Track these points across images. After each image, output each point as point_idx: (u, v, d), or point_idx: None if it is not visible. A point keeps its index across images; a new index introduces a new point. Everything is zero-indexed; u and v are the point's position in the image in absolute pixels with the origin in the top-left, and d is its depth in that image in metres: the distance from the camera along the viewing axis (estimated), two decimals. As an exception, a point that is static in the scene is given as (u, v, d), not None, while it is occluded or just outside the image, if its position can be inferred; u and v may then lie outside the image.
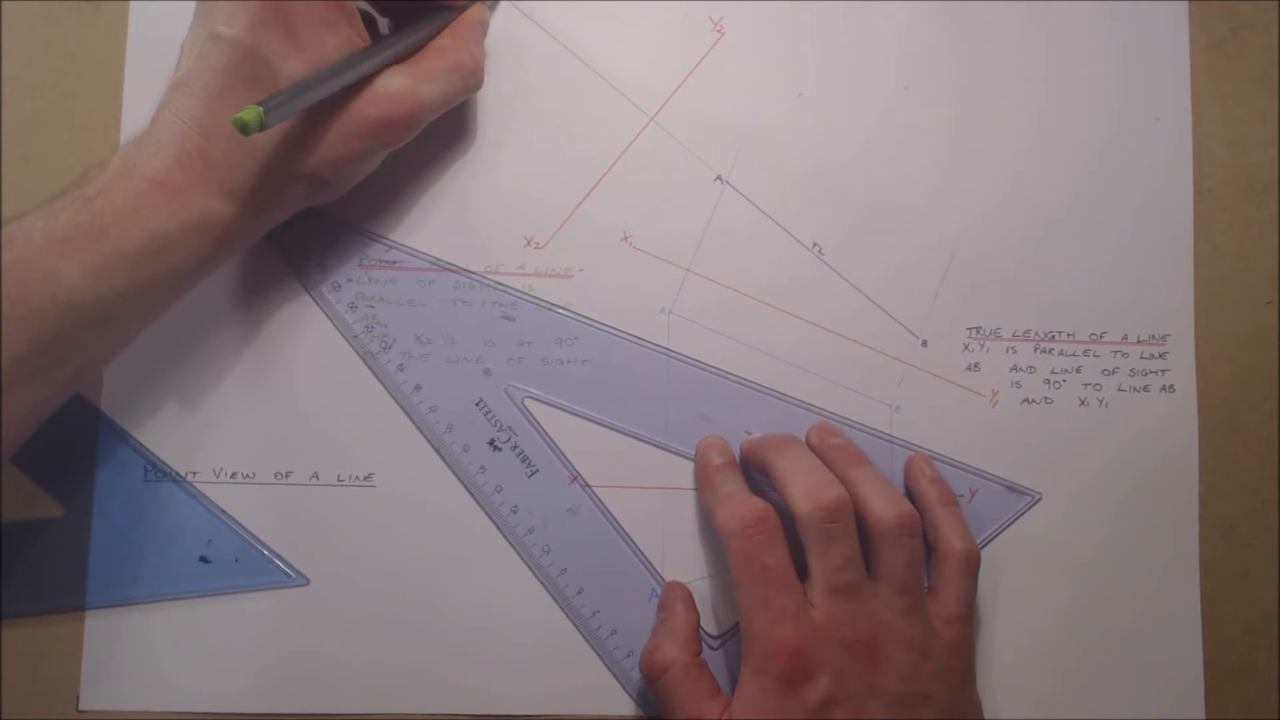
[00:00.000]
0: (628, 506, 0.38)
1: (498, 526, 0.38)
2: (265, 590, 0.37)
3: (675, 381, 0.39)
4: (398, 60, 0.34)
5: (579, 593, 0.38)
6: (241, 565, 0.37)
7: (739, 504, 0.35)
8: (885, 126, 0.41)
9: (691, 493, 0.39)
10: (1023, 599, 0.39)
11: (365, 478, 0.38)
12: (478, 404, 0.38)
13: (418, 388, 0.38)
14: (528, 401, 0.39)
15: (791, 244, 0.40)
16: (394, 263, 0.39)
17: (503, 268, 0.39)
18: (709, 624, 0.38)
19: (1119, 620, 0.39)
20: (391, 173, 0.38)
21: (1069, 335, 0.40)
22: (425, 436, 0.38)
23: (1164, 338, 0.41)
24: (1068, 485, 0.40)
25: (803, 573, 0.34)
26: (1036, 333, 0.40)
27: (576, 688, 0.37)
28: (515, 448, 0.38)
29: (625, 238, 0.39)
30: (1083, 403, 0.40)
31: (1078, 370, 0.40)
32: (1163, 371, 0.40)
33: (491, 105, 0.39)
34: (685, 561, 0.38)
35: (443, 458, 0.38)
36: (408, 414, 0.38)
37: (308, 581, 0.37)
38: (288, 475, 0.38)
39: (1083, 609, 0.39)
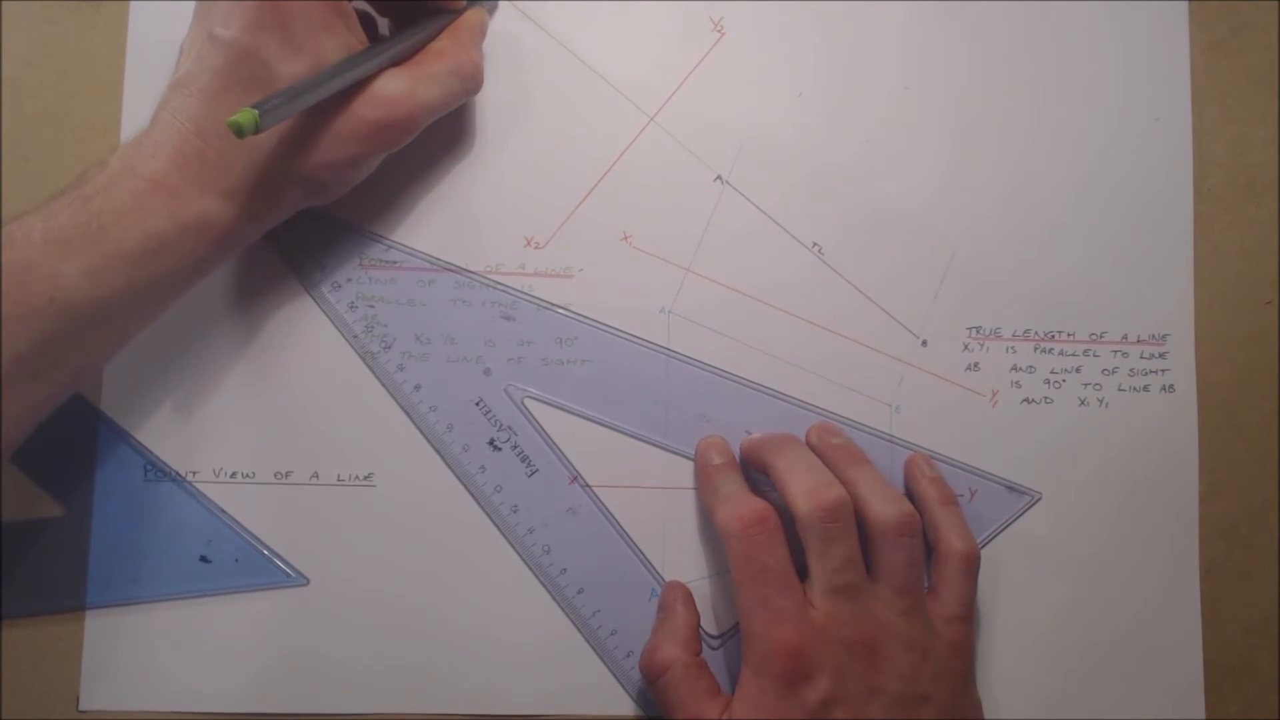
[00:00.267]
0: (628, 506, 0.38)
1: (498, 526, 0.38)
2: (265, 590, 0.37)
3: (675, 381, 0.39)
4: (396, 63, 0.34)
5: (579, 593, 0.38)
6: (241, 565, 0.37)
7: (739, 504, 0.35)
8: (885, 126, 0.41)
9: (691, 493, 0.39)
10: (1023, 599, 0.39)
11: (365, 478, 0.38)
12: (478, 404, 0.38)
13: (418, 387, 0.38)
14: (528, 401, 0.39)
15: (791, 244, 0.40)
16: (394, 263, 0.39)
17: (503, 268, 0.39)
18: (709, 624, 0.38)
19: (1119, 620, 0.39)
20: (391, 173, 0.38)
21: (1069, 335, 0.40)
22: (425, 436, 0.38)
23: (1164, 338, 0.41)
24: (1068, 485, 0.40)
25: (803, 573, 0.34)
26: (1036, 333, 0.40)
27: (576, 688, 0.38)
28: (515, 447, 0.38)
29: (625, 238, 0.39)
30: (1083, 403, 0.40)
31: (1078, 370, 0.40)
32: (1163, 371, 0.40)
33: (492, 105, 0.39)
34: (685, 561, 0.38)
35: (443, 458, 0.38)
36: (408, 414, 0.38)
37: (308, 581, 0.37)
38: (288, 475, 0.38)
39: (1083, 609, 0.39)
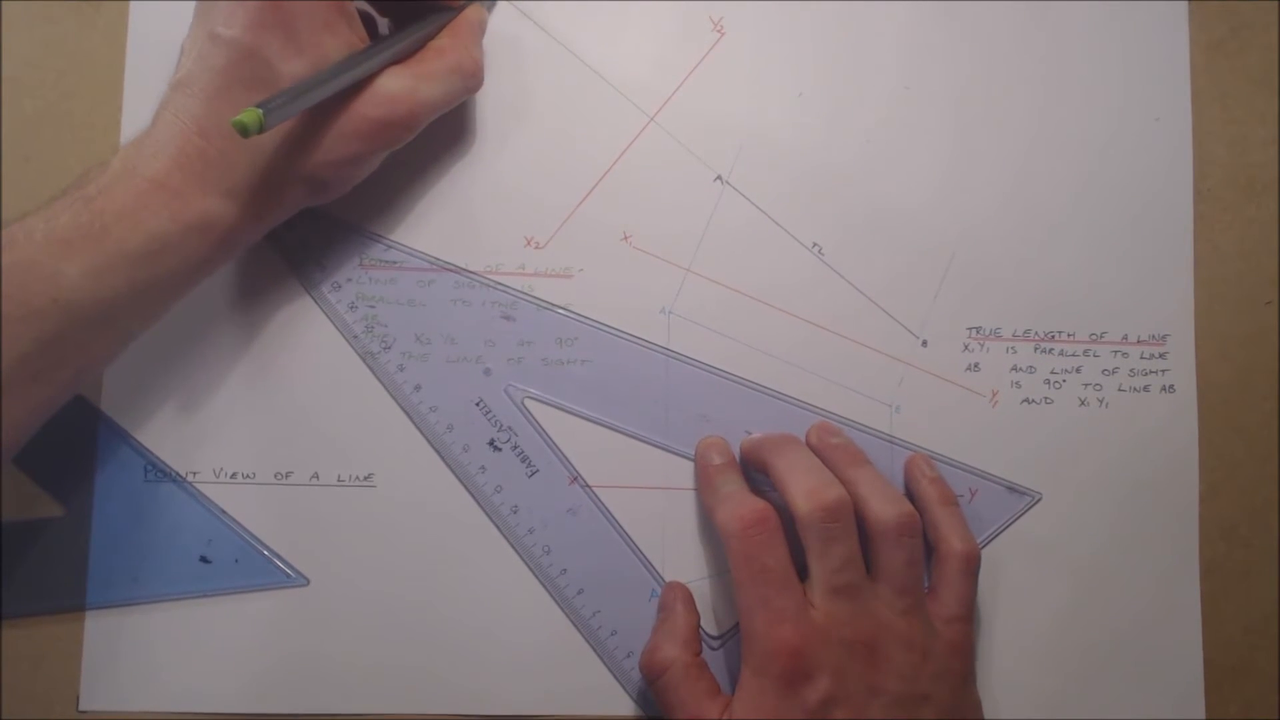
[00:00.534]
0: (628, 506, 0.38)
1: (498, 527, 0.38)
2: (265, 590, 0.37)
3: (675, 381, 0.39)
4: (397, 61, 0.34)
5: (579, 593, 0.38)
6: (241, 565, 0.37)
7: (739, 504, 0.35)
8: (885, 126, 0.41)
9: (691, 493, 0.39)
10: (1023, 599, 0.39)
11: (365, 478, 0.38)
12: (478, 404, 0.38)
13: (418, 388, 0.38)
14: (528, 401, 0.39)
15: (791, 244, 0.40)
16: (394, 263, 0.39)
17: (503, 268, 0.39)
18: (709, 624, 0.38)
19: (1119, 620, 0.39)
20: (391, 173, 0.38)
21: (1069, 335, 0.40)
22: (425, 436, 0.38)
23: (1164, 338, 0.41)
24: (1068, 485, 0.40)
25: (803, 573, 0.34)
26: (1036, 333, 0.40)
27: (576, 688, 0.38)
28: (515, 448, 0.38)
29: (625, 238, 0.39)
30: (1083, 403, 0.40)
31: (1078, 370, 0.40)
32: (1163, 371, 0.40)
33: (492, 105, 0.39)
34: (685, 561, 0.38)
35: (443, 458, 0.38)
36: (408, 414, 0.38)
37: (308, 581, 0.37)
38: (288, 475, 0.38)
39: (1083, 609, 0.39)
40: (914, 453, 0.39)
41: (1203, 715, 0.39)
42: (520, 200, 0.39)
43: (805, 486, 0.34)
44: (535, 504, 0.38)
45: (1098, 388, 0.40)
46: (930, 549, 0.37)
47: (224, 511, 0.37)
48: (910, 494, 0.38)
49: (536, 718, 0.37)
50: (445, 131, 0.39)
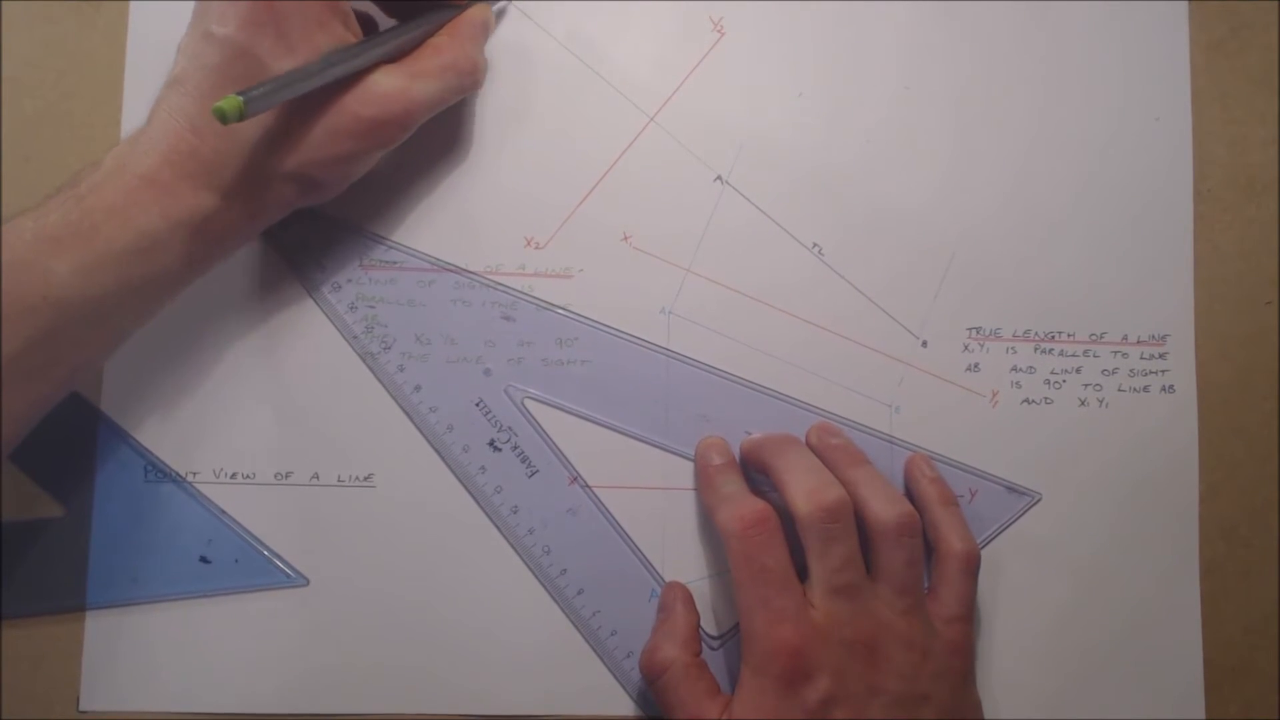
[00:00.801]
0: (628, 507, 0.38)
1: (498, 527, 0.38)
2: (265, 590, 0.37)
3: (675, 381, 0.39)
4: (391, 58, 0.34)
5: (579, 593, 0.38)
6: (241, 565, 0.37)
7: (739, 504, 0.35)
8: (885, 126, 0.41)
9: (691, 493, 0.39)
10: (1023, 599, 0.39)
11: (365, 478, 0.38)
12: (478, 404, 0.38)
13: (418, 388, 0.38)
14: (528, 402, 0.39)
15: (791, 244, 0.40)
16: (394, 263, 0.39)
17: (503, 268, 0.39)
18: (709, 624, 0.38)
19: (1119, 620, 0.39)
20: (391, 173, 0.38)
21: (1069, 335, 0.40)
22: (425, 437, 0.38)
23: (1164, 338, 0.41)
24: (1068, 485, 0.40)
25: (803, 573, 0.34)
26: (1036, 333, 0.40)
27: (576, 688, 0.38)
28: (515, 448, 0.38)
29: (625, 238, 0.39)
30: (1083, 403, 0.40)
31: (1078, 370, 0.40)
32: (1163, 372, 0.40)
33: (491, 105, 0.39)
34: (685, 561, 0.38)
35: (443, 458, 0.38)
36: (408, 414, 0.38)
37: (308, 581, 0.37)
38: (288, 475, 0.38)
39: (1083, 609, 0.39)
40: (914, 453, 0.39)
41: (1203, 715, 0.39)
42: (520, 200, 0.39)
43: (805, 487, 0.34)
44: (535, 504, 0.38)
45: (1098, 388, 0.40)
46: (930, 549, 0.37)
47: (224, 511, 0.37)
48: (910, 494, 0.38)
49: (536, 718, 0.37)
50: (445, 132, 0.39)
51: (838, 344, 0.40)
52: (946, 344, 0.40)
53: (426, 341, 0.38)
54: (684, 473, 0.39)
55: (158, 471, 0.37)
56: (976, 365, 0.40)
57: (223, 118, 0.28)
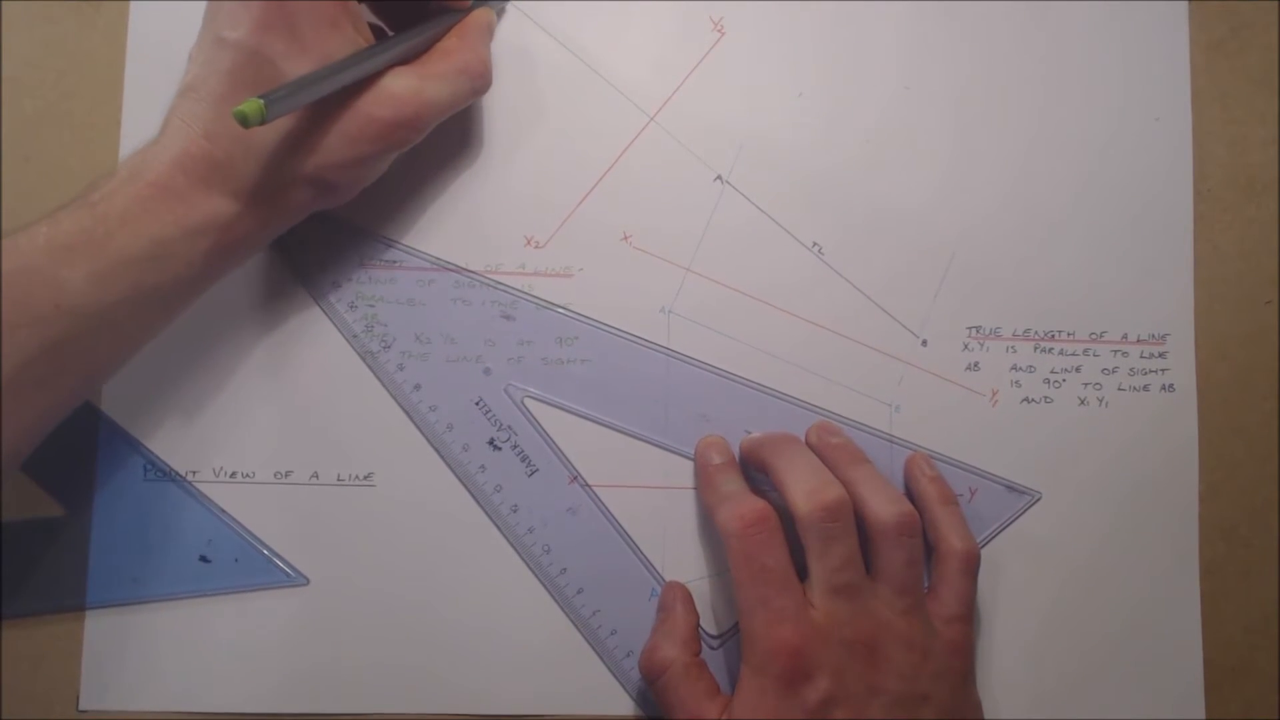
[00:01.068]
0: (628, 506, 0.38)
1: (497, 526, 0.38)
2: (265, 590, 0.37)
3: (675, 381, 0.39)
4: (403, 61, 0.34)
5: (579, 592, 0.38)
6: (241, 565, 0.37)
7: (739, 504, 0.35)
8: (885, 126, 0.41)
9: (691, 492, 0.39)
10: (1022, 599, 0.39)
11: (365, 478, 0.38)
12: (477, 403, 0.38)
13: (418, 387, 0.38)
14: (528, 401, 0.39)
15: (791, 244, 0.40)
16: (394, 262, 0.39)
17: (503, 267, 0.39)
18: (709, 624, 0.38)
19: (1119, 620, 0.39)
20: (392, 173, 0.38)
21: (1069, 335, 0.40)
22: (425, 436, 0.38)
23: (1164, 337, 0.41)
24: (1067, 484, 0.40)
25: (802, 573, 0.34)
26: (1036, 332, 0.40)
27: (576, 688, 0.37)
28: (515, 447, 0.38)
29: (625, 237, 0.39)
30: (1082, 402, 0.40)
31: (1077, 370, 0.40)
32: (1162, 371, 0.40)
33: (492, 105, 0.39)
34: (685, 561, 0.38)
35: (443, 457, 0.38)
36: (408, 414, 0.38)
37: (308, 581, 0.37)
38: (288, 475, 0.38)
39: (1083, 609, 0.39)
40: (914, 452, 0.39)
41: (1203, 715, 0.39)
42: (520, 200, 0.39)
43: (805, 486, 0.34)
44: (535, 503, 0.38)
45: (1097, 387, 0.40)
46: (930, 548, 0.37)
47: (224, 511, 0.37)
48: (910, 493, 0.38)
49: (536, 717, 0.37)
50: (447, 132, 0.38)
51: (838, 343, 0.40)
52: (946, 343, 0.40)
53: (426, 340, 0.38)
54: (684, 472, 0.39)
55: (158, 471, 0.37)
56: (976, 364, 0.40)
57: (244, 121, 0.28)
